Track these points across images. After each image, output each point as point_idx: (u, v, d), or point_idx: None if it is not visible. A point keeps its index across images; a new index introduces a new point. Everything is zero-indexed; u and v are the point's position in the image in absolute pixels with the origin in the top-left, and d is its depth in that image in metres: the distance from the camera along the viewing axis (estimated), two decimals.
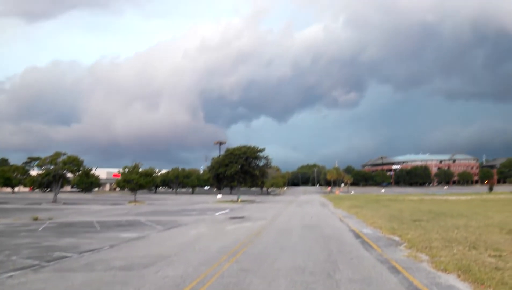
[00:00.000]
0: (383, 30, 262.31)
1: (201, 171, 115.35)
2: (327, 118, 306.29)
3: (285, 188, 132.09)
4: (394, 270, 9.91)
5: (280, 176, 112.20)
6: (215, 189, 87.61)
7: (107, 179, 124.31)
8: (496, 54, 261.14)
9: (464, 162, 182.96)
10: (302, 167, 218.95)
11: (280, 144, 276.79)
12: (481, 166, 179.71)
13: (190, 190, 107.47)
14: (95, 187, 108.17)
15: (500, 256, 10.96)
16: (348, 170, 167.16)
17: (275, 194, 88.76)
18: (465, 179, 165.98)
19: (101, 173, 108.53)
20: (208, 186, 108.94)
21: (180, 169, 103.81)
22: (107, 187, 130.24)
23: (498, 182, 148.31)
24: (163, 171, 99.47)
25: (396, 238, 15.25)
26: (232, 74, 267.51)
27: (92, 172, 58.93)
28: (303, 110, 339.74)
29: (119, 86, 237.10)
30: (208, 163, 76.28)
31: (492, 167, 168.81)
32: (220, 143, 71.97)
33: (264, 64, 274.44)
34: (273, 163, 72.48)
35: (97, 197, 73.10)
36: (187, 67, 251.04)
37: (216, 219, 25.94)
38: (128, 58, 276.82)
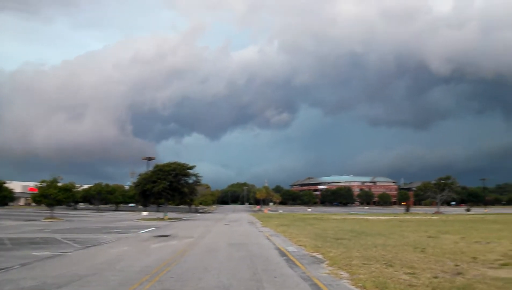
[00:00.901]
0: (315, 57, 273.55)
1: (127, 187, 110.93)
2: (259, 138, 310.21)
3: (215, 206, 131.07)
4: (315, 287, 10.10)
5: (209, 193, 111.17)
6: (140, 206, 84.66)
7: (22, 193, 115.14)
8: (416, 86, 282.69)
9: (384, 184, 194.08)
10: (233, 185, 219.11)
11: (211, 161, 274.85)
12: (399, 189, 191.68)
13: (114, 206, 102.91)
14: (9, 201, 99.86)
15: (413, 273, 11.60)
16: (277, 189, 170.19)
17: (204, 212, 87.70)
18: (384, 200, 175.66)
19: (16, 186, 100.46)
20: (133, 203, 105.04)
21: (103, 184, 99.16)
22: (22, 201, 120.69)
23: (414, 204, 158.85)
24: (85, 186, 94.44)
25: (319, 256, 15.63)
26: (165, 88, 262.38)
27: (5, 185, 54.22)
28: (236, 129, 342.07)
29: (42, 94, 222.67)
30: (135, 179, 73.65)
31: (409, 189, 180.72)
32: (149, 159, 69.73)
33: (199, 81, 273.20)
34: (203, 181, 71.74)
35: (10, 212, 67.36)
36: (117, 79, 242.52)
37: (140, 237, 24.95)
38: (54, 66, 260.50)
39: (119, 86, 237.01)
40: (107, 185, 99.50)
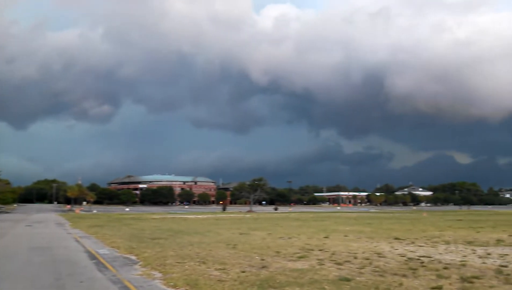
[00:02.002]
0: (142, 51, 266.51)
1: None
2: (74, 130, 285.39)
3: (15, 205, 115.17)
4: (126, 289, 9.65)
5: (9, 190, 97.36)
6: None
7: None
8: (238, 92, 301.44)
9: (204, 184, 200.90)
10: (39, 182, 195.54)
11: (14, 154, 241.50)
12: (218, 188, 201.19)
13: None
14: None
15: (224, 269, 12.13)
16: (93, 187, 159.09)
17: (2, 212, 76.17)
18: (204, 200, 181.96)
19: None
20: None
21: None
22: None
23: (231, 203, 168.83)
24: None
25: (133, 257, 15.07)
26: None
27: None
28: (48, 118, 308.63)
29: None
30: None
31: (226, 189, 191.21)
32: None
33: (4, 59, 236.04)
34: (3, 176, 62.39)
35: None
36: None
37: None
38: None
39: None
40: None
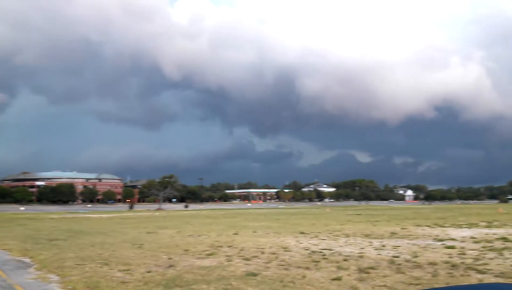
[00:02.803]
0: (45, 37, 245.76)
1: None
2: None
3: None
4: None
5: None
6: None
7: None
8: (149, 86, 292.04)
9: (110, 181, 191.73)
10: None
11: None
12: (125, 186, 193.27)
13: None
14: None
15: (128, 270, 11.62)
16: None
17: None
18: (109, 198, 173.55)
19: None
20: None
21: None
22: None
23: (139, 201, 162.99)
24: None
25: (27, 260, 13.86)
26: None
27: None
28: None
29: None
30: None
31: (134, 187, 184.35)
32: None
33: None
34: None
35: None
36: None
37: None
38: None
39: None
40: None
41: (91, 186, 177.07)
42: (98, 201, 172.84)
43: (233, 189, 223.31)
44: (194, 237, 21.13)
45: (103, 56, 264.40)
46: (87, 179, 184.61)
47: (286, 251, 15.30)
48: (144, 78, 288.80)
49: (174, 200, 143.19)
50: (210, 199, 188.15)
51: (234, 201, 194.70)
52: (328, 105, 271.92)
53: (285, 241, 18.90)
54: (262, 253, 14.76)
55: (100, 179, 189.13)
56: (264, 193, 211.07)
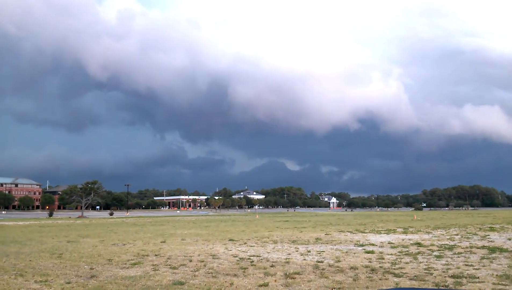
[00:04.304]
0: None
1: None
2: None
3: None
4: None
5: None
6: None
7: None
8: (72, 87, 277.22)
9: (27, 187, 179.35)
10: None
11: None
12: (44, 192, 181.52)
13: None
14: None
15: (46, 281, 10.94)
16: None
17: None
18: (27, 204, 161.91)
19: None
20: None
21: None
22: None
23: (59, 207, 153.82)
24: None
25: None
26: None
27: None
28: None
29: None
30: None
31: (54, 193, 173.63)
32: None
33: None
34: None
35: None
36: None
37: None
38: None
39: None
40: None
41: (6, 191, 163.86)
42: (14, 207, 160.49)
43: (162, 195, 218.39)
44: (119, 246, 20.36)
45: (22, 51, 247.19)
46: (2, 184, 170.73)
47: (214, 258, 15.27)
48: (66, 77, 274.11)
49: (98, 207, 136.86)
50: (137, 206, 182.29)
51: (163, 208, 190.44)
52: (259, 113, 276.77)
53: (214, 248, 18.85)
54: (190, 261, 14.60)
55: (16, 184, 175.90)
56: (194, 200, 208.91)
